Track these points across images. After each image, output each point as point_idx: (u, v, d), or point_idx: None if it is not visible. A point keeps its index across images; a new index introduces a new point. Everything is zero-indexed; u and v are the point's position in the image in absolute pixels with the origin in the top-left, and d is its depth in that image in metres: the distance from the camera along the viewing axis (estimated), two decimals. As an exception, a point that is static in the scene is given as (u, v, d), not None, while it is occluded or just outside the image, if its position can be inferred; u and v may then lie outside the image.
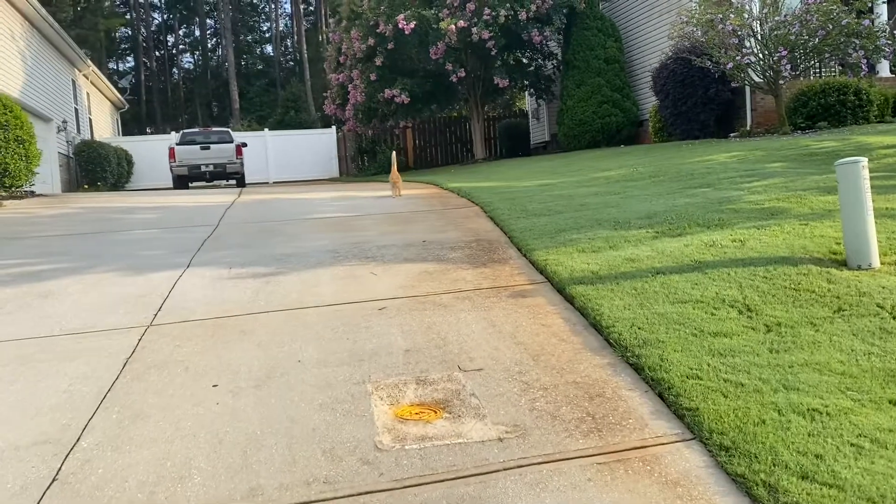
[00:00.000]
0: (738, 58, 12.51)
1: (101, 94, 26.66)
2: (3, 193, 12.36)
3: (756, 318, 3.97)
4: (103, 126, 26.30)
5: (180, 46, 55.68)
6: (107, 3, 44.74)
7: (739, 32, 12.62)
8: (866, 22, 12.18)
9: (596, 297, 4.45)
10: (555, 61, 20.72)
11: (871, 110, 12.77)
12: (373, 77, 19.56)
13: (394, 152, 12.14)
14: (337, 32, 22.49)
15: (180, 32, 55.52)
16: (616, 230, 6.07)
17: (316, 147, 25.99)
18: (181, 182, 20.00)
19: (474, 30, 17.45)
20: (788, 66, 12.46)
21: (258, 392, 3.56)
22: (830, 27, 12.01)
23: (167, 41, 54.84)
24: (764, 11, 12.66)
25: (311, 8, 52.81)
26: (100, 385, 3.70)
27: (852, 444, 2.79)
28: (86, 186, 19.64)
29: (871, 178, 4.70)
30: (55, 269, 6.30)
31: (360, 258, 6.12)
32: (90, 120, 23.73)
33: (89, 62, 22.53)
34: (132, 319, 4.72)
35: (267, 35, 55.67)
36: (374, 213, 8.93)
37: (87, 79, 23.34)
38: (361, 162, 24.79)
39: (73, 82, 21.45)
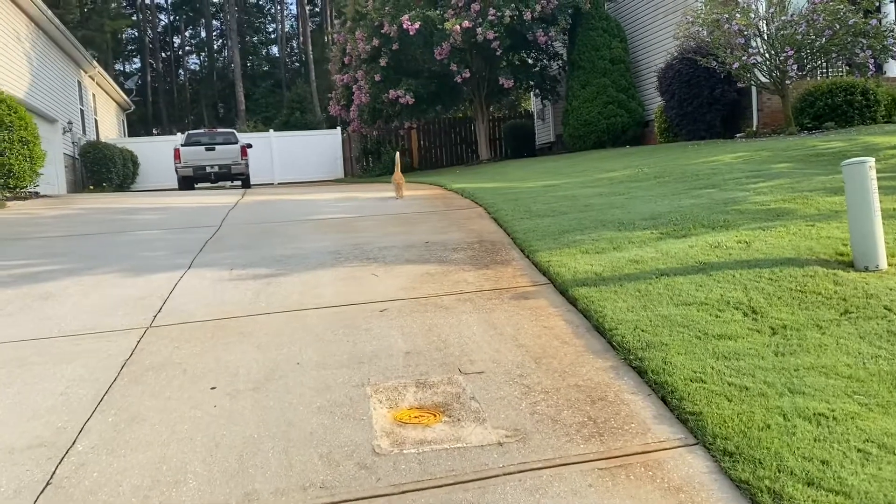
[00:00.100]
0: (744, 58, 12.41)
1: (107, 96, 26.75)
2: (8, 194, 12.38)
3: (761, 321, 3.91)
4: (109, 127, 26.37)
5: (186, 48, 55.90)
6: (113, 5, 44.92)
7: (745, 32, 12.52)
8: (874, 21, 12.09)
9: (599, 299, 4.40)
10: (560, 62, 20.65)
11: (878, 110, 12.68)
12: (377, 78, 19.52)
13: (397, 153, 12.13)
14: (342, 33, 22.48)
15: (186, 34, 55.72)
16: (620, 231, 6.01)
17: (321, 148, 25.97)
18: (186, 183, 20.03)
19: (479, 30, 17.40)
20: (795, 66, 12.37)
21: (256, 395, 3.52)
22: (837, 27, 11.91)
23: (173, 42, 55.05)
24: (770, 11, 12.57)
25: (317, 9, 52.91)
26: (97, 387, 3.67)
27: (859, 450, 2.73)
28: (91, 187, 19.68)
29: (879, 179, 4.65)
30: (56, 270, 6.28)
31: (361, 259, 6.09)
32: (96, 121, 23.80)
33: (95, 63, 22.58)
34: (132, 321, 4.70)
35: (273, 36, 55.82)
36: (377, 215, 8.89)
37: (93, 80, 23.41)
38: (366, 163, 24.78)
39: (79, 83, 21.50)
